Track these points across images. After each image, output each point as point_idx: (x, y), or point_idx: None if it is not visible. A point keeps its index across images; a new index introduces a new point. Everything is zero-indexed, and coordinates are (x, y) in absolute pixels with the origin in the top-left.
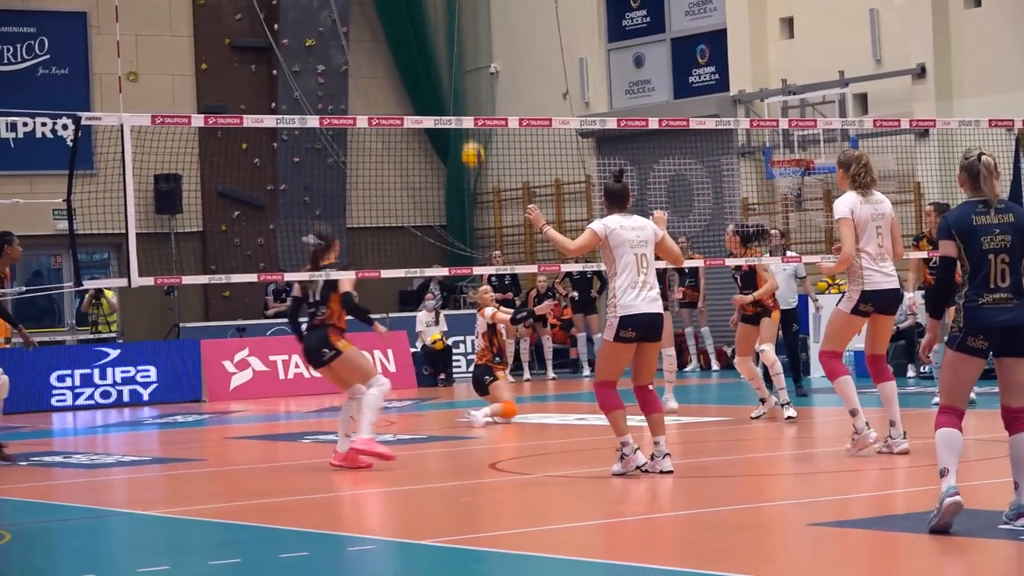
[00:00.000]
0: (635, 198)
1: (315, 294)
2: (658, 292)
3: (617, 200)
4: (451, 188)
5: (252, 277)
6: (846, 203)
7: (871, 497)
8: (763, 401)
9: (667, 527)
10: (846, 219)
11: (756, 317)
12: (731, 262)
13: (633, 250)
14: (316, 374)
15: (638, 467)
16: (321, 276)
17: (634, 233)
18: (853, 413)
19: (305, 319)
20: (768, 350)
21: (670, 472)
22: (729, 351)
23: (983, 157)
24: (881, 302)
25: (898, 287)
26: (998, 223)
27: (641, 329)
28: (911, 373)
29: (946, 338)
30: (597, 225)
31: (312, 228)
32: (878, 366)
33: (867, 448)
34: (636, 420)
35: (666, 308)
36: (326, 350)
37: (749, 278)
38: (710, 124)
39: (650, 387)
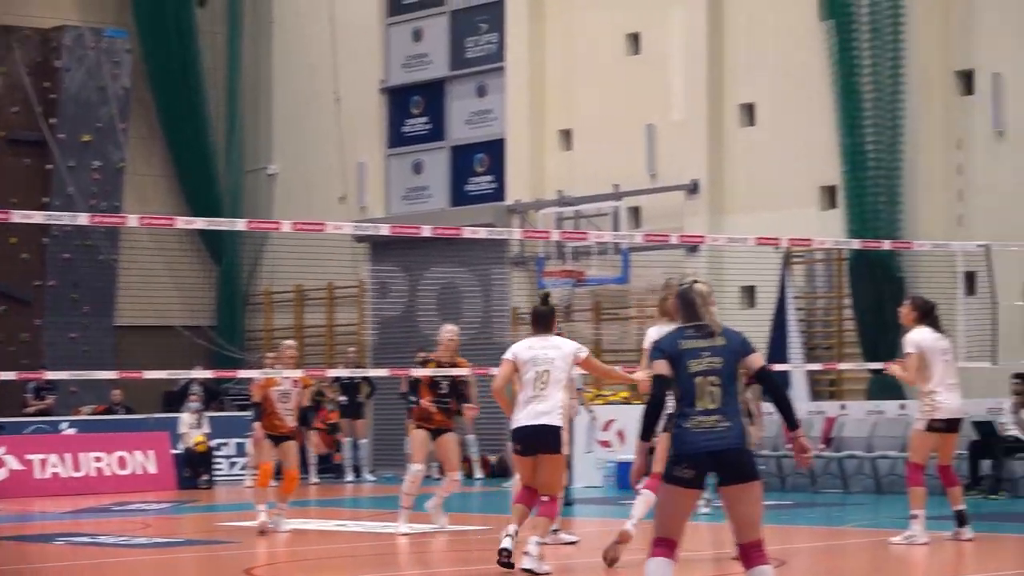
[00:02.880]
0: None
1: None
2: (550, 406)
3: (536, 322)
4: (223, 289)
5: (11, 375)
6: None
7: None
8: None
9: None
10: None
11: None
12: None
13: (535, 367)
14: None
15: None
16: None
17: (541, 352)
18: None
19: None
20: None
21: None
22: (495, 459)
23: (696, 285)
24: None
25: None
26: (708, 347)
27: (521, 441)
28: None
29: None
30: (507, 353)
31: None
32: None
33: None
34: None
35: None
36: None
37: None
38: (483, 233)
39: (543, 498)
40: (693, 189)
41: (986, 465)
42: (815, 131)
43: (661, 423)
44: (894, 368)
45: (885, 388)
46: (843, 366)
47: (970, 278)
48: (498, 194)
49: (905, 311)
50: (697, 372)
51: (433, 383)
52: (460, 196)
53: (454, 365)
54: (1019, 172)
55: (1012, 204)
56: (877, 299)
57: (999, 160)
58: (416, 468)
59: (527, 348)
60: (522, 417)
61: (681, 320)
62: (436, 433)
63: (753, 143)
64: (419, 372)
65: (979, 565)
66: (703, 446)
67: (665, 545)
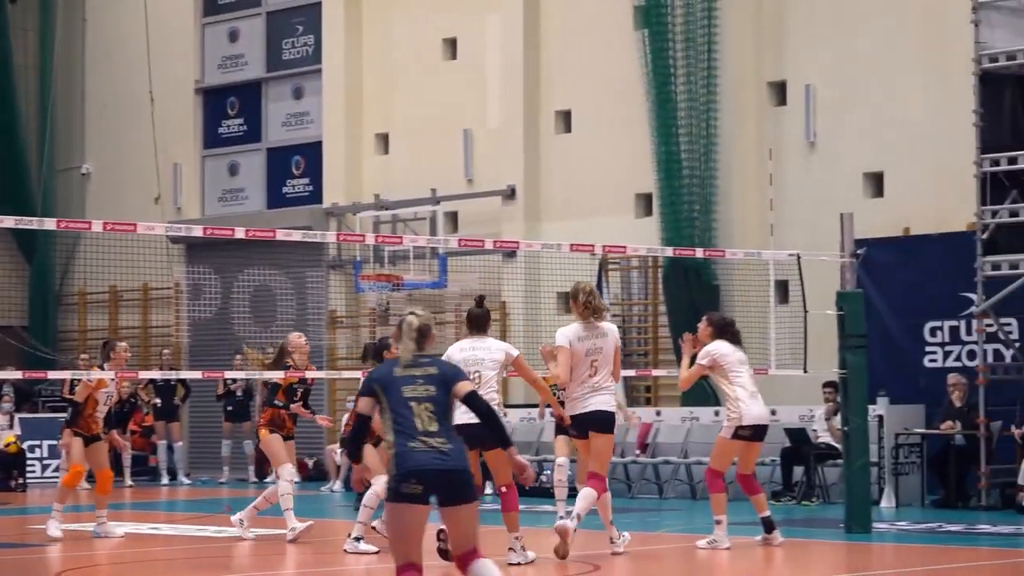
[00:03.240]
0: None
1: None
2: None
3: (470, 324)
4: (35, 288)
5: None
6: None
7: None
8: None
9: None
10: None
11: None
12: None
13: (466, 368)
14: None
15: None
16: None
17: (471, 354)
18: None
19: None
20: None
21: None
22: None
23: (408, 318)
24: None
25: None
26: (421, 375)
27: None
28: (488, 489)
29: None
30: (443, 356)
31: None
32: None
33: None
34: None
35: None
36: None
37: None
38: (296, 236)
39: (503, 489)
40: (510, 195)
41: (798, 472)
42: (630, 139)
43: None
44: (687, 336)
45: (700, 395)
46: (658, 372)
47: (782, 287)
48: (315, 197)
49: (702, 327)
50: (412, 397)
51: (290, 390)
52: (277, 198)
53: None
54: (829, 182)
55: (822, 214)
56: (692, 306)
57: (810, 170)
58: (288, 469)
59: (459, 350)
60: (458, 415)
61: (397, 346)
62: (286, 440)
63: (569, 150)
64: (281, 376)
65: (788, 570)
66: (433, 464)
67: (411, 570)
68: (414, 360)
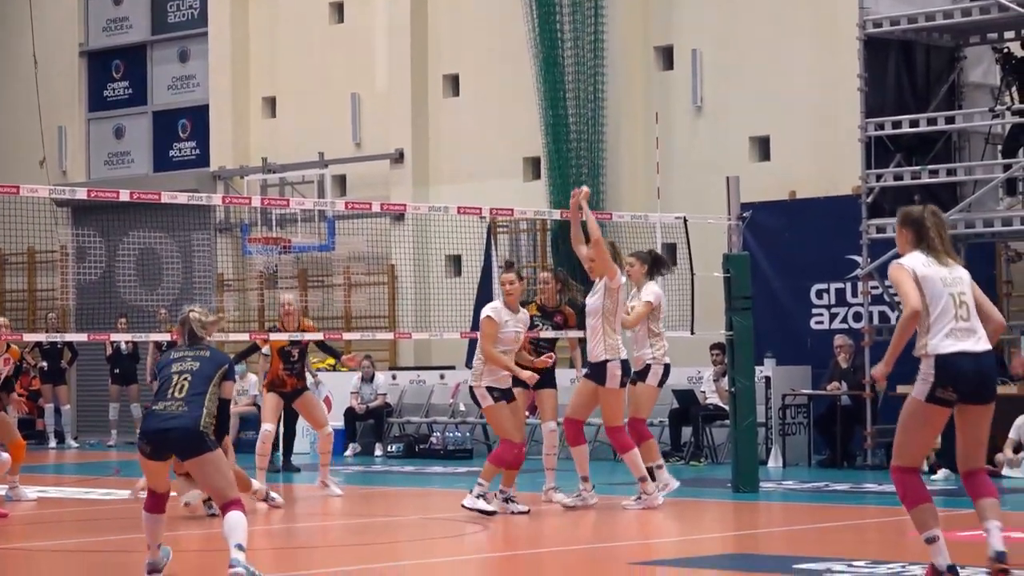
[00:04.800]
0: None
1: None
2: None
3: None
4: None
5: None
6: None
7: None
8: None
9: None
10: None
11: None
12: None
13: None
14: None
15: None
16: None
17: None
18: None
19: None
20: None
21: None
22: None
23: (192, 314)
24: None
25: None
26: (193, 355)
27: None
28: (378, 451)
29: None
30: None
31: None
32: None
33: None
34: None
35: None
36: None
37: None
38: (182, 199)
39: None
40: (398, 159)
41: (686, 432)
42: (518, 103)
43: None
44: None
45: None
46: (547, 334)
47: (669, 249)
48: (202, 160)
49: (636, 267)
50: (176, 371)
51: (283, 353)
52: (163, 162)
53: (300, 331)
54: (715, 146)
55: (709, 177)
56: (580, 269)
57: (697, 134)
58: (266, 428)
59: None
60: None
61: (183, 340)
62: (292, 396)
63: (457, 114)
64: (276, 337)
65: (676, 528)
66: (158, 425)
67: (152, 495)
68: (192, 347)
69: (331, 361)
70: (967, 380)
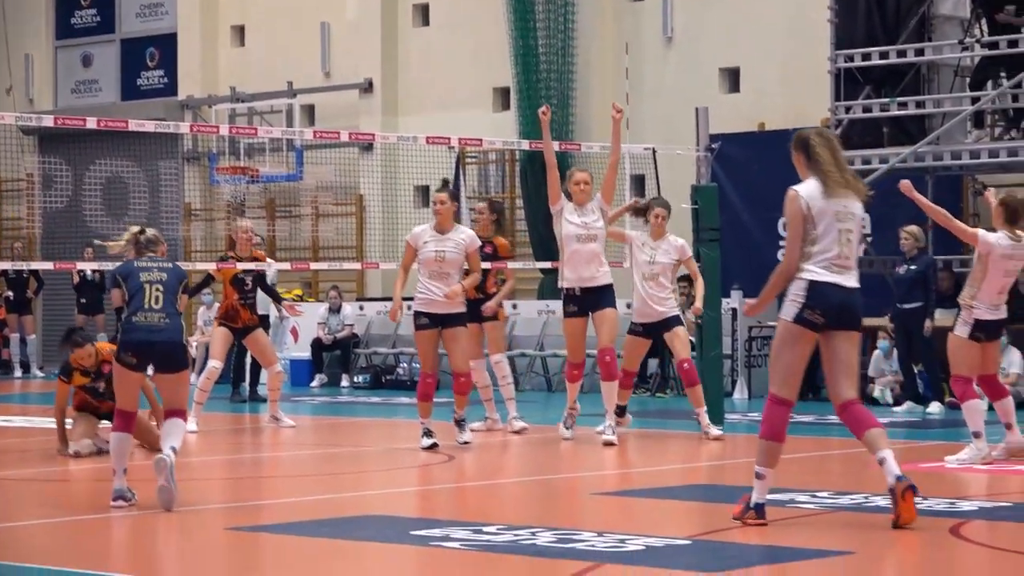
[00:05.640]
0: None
1: None
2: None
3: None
4: None
5: None
6: None
7: None
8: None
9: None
10: None
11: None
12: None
13: None
14: None
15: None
16: None
17: None
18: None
19: None
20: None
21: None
22: None
23: (146, 231)
24: None
25: None
26: (157, 266)
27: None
28: (345, 382)
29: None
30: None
31: None
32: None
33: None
34: None
35: None
36: None
37: None
38: (149, 127)
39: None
40: (367, 88)
41: (652, 364)
42: (488, 33)
43: None
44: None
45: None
46: (514, 265)
47: (638, 181)
48: (170, 89)
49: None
50: (146, 281)
51: (237, 280)
52: (131, 90)
53: (253, 260)
54: (685, 77)
55: (678, 109)
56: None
57: (667, 65)
58: (213, 364)
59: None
60: None
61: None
62: (243, 332)
63: (427, 44)
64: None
65: (642, 460)
66: (144, 337)
67: (121, 416)
68: (153, 260)
69: (298, 291)
70: (833, 307)
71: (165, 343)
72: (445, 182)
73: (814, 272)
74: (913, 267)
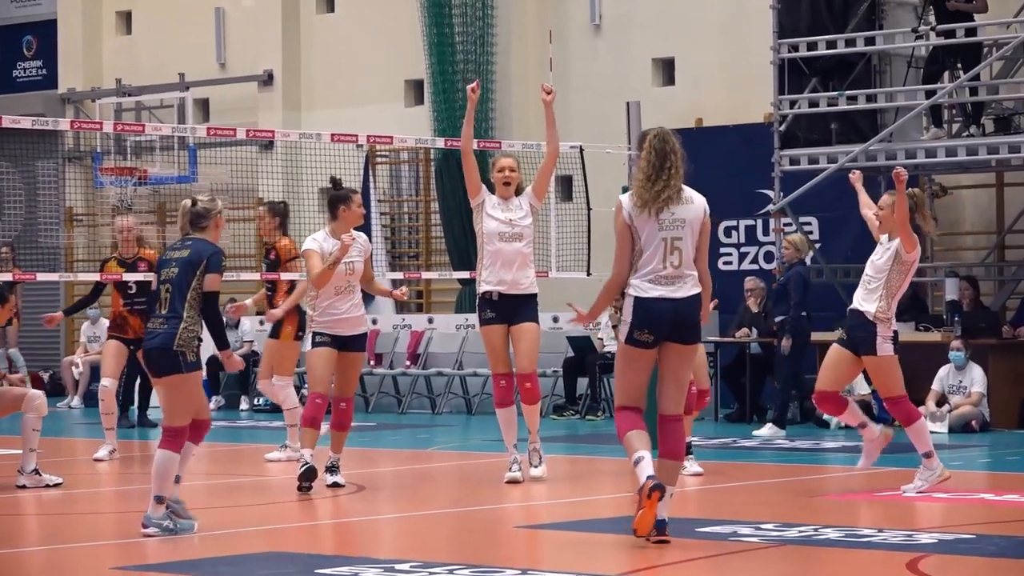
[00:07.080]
0: None
1: None
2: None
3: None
4: None
5: None
6: None
7: None
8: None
9: None
10: None
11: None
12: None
13: None
14: None
15: None
16: None
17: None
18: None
19: None
20: None
21: None
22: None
23: (200, 206)
24: None
25: None
26: (175, 258)
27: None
28: (244, 405)
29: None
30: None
31: None
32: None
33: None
34: None
35: None
36: None
37: None
38: (26, 123)
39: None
40: (267, 81)
41: (582, 384)
42: (400, 20)
43: None
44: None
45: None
46: (430, 275)
47: (565, 182)
48: (50, 82)
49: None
50: (162, 281)
51: (120, 284)
52: (7, 83)
53: (138, 260)
54: (615, 68)
55: (608, 103)
56: (466, 202)
57: (595, 56)
58: (105, 384)
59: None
60: None
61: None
62: (136, 344)
63: (333, 32)
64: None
65: (570, 490)
66: (144, 345)
67: (168, 434)
68: (183, 241)
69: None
70: (663, 322)
71: (155, 349)
72: (334, 181)
73: (639, 288)
74: (783, 279)
